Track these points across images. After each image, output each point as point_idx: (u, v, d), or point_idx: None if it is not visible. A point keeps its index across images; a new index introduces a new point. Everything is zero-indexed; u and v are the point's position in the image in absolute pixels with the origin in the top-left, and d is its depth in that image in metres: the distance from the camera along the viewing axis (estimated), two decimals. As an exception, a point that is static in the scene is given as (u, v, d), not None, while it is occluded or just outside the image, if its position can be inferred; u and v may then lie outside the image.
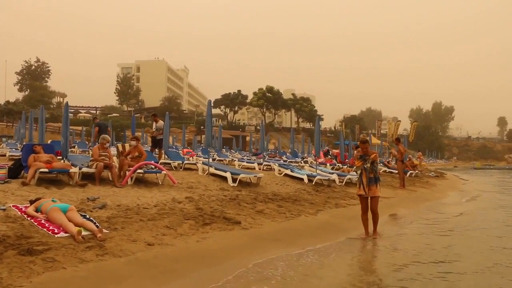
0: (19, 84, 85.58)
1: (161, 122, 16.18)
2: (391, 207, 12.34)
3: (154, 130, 16.32)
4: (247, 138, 47.59)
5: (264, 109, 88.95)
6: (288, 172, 15.42)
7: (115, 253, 5.41)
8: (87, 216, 6.86)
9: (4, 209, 6.79)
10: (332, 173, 16.42)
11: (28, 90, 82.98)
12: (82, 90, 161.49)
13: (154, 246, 5.94)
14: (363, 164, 8.04)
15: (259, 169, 17.70)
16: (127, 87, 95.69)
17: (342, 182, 15.29)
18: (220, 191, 10.98)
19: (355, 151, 8.14)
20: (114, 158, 11.67)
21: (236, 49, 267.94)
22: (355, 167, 8.83)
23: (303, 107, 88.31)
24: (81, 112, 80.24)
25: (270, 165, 18.41)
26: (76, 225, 6.14)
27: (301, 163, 23.28)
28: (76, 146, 25.30)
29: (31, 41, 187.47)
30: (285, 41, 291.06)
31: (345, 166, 21.47)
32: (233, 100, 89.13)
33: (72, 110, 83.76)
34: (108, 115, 72.54)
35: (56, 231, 5.94)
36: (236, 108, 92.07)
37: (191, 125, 73.35)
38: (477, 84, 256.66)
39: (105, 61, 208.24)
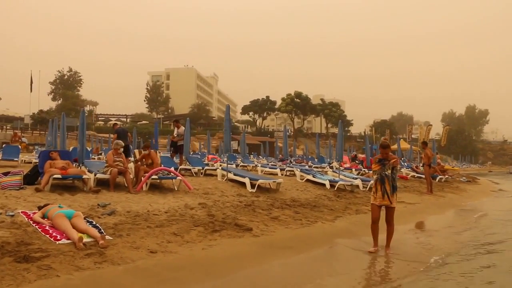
0: (52, 94, 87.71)
1: (182, 128, 16.17)
2: (414, 213, 11.87)
3: (175, 135, 16.31)
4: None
5: (293, 115, 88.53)
6: (310, 177, 15.10)
7: (115, 261, 5.25)
8: (94, 223, 6.76)
9: (12, 215, 6.75)
10: (356, 178, 16.00)
11: (61, 99, 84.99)
12: (114, 99, 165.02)
13: (157, 253, 5.75)
14: (381, 170, 7.21)
15: (282, 174, 17.44)
16: (156, 94, 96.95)
17: (366, 187, 14.86)
18: (236, 197, 10.77)
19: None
20: (131, 164, 11.62)
21: (265, 56, 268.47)
22: (372, 171, 7.88)
23: (332, 112, 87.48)
24: (111, 120, 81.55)
25: (293, 171, 18.11)
26: (80, 231, 6.03)
27: (326, 168, 22.90)
28: (102, 153, 25.67)
29: (64, 54, 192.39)
30: (315, 46, 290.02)
31: (371, 172, 20.95)
32: (262, 106, 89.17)
33: (103, 118, 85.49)
34: (138, 123, 73.64)
35: (58, 237, 5.84)
36: (265, 114, 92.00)
37: (220, 131, 73.53)
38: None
39: (136, 70, 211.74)
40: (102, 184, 10.25)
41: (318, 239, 7.75)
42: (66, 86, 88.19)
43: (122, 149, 10.74)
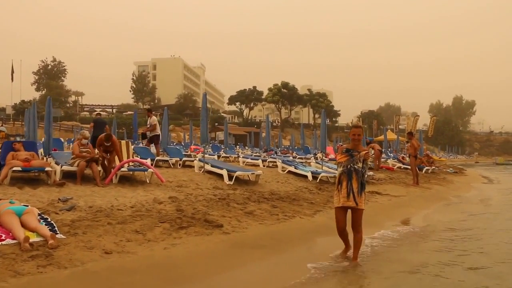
0: (36, 84, 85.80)
1: (154, 118, 15.51)
2: (399, 207, 11.41)
3: (148, 126, 15.61)
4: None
5: (280, 105, 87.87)
6: (292, 169, 14.62)
7: (61, 264, 4.68)
8: (49, 219, 6.18)
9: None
10: (340, 170, 15.52)
11: (45, 89, 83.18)
12: (100, 90, 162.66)
13: (111, 254, 5.18)
14: (349, 162, 5.88)
15: (264, 166, 16.94)
16: (142, 85, 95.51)
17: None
18: (212, 190, 10.24)
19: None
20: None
21: (253, 46, 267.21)
22: (336, 162, 6.41)
23: (320, 102, 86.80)
24: (96, 111, 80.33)
25: (276, 162, 17.62)
26: (30, 230, 5.47)
27: (311, 159, 22.46)
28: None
29: (47, 43, 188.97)
30: (303, 37, 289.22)
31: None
32: (249, 97, 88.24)
33: (87, 109, 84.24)
34: (124, 113, 72.61)
35: (3, 237, 5.25)
36: (252, 105, 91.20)
37: (206, 122, 72.68)
38: (499, 76, 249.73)
39: (122, 60, 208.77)
40: (70, 176, 9.65)
41: (294, 237, 7.19)
42: (50, 76, 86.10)
43: (85, 140, 10.06)
